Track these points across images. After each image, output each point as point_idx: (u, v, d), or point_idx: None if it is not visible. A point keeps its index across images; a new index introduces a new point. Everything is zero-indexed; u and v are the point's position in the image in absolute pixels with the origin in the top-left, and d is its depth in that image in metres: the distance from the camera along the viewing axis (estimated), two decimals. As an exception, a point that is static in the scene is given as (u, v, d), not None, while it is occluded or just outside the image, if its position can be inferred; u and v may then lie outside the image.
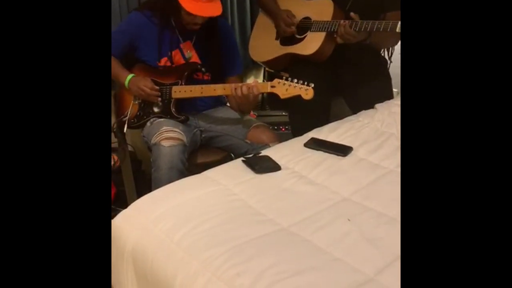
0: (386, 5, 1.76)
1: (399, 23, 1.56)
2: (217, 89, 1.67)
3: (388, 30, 1.60)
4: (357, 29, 1.67)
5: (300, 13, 1.92)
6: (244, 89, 1.56)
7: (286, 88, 1.53)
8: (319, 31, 1.82)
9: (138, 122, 1.78)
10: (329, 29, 1.77)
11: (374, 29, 1.64)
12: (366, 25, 1.65)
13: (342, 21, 1.70)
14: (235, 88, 1.58)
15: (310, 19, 1.88)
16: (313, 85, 1.49)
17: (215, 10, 1.61)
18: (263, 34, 2.06)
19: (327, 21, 1.78)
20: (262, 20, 2.10)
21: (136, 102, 1.78)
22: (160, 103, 1.74)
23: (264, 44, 2.05)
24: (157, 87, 1.70)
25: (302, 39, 1.89)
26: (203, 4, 1.58)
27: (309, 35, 1.86)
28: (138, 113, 1.78)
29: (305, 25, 1.89)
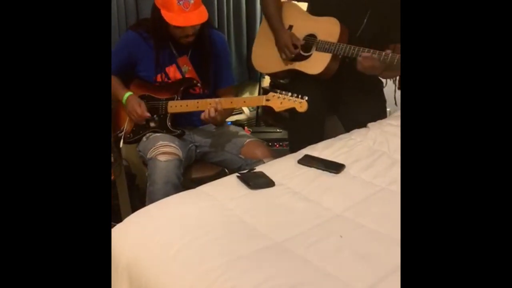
0: (394, 37, 1.74)
1: (398, 56, 1.58)
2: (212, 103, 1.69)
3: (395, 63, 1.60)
4: (387, 61, 1.65)
5: (305, 29, 1.91)
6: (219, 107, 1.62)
7: (280, 101, 1.56)
8: (324, 51, 1.81)
9: (134, 137, 1.80)
10: (335, 51, 1.77)
11: (388, 61, 1.63)
12: (386, 57, 1.63)
13: (367, 53, 1.68)
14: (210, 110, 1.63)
15: (315, 36, 1.87)
16: (307, 98, 1.52)
17: (200, 17, 1.64)
18: (267, 43, 2.02)
19: (333, 42, 1.78)
20: (266, 27, 2.04)
21: (132, 117, 1.81)
22: (156, 118, 1.76)
23: (268, 54, 2.01)
24: (148, 114, 1.73)
25: (307, 57, 1.88)
26: (187, 14, 1.61)
27: (315, 54, 1.85)
28: (133, 129, 1.80)
29: (310, 43, 1.88)
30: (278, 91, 1.58)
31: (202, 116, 1.66)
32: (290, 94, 1.55)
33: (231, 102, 1.68)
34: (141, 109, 1.72)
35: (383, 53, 1.65)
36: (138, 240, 1.11)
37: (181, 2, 1.59)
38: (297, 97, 1.54)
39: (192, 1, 1.61)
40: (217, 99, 1.69)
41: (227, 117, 1.68)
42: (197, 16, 1.64)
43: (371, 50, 1.66)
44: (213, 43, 1.80)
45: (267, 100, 1.59)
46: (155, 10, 1.66)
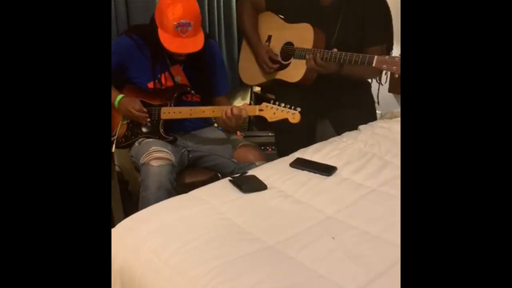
0: (369, 40, 1.81)
1: (376, 57, 1.60)
2: (206, 111, 1.70)
3: (365, 64, 1.63)
4: (336, 60, 1.69)
5: (282, 38, 1.97)
6: (235, 111, 1.60)
7: (273, 111, 1.58)
8: (301, 58, 1.86)
9: (126, 142, 1.80)
10: None
11: (352, 62, 1.66)
12: (345, 57, 1.67)
13: (311, 55, 1.73)
14: (226, 111, 1.61)
15: (292, 44, 1.92)
16: (299, 109, 1.54)
17: (195, 45, 1.64)
18: (250, 57, 2.11)
19: (308, 49, 1.83)
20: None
21: (125, 122, 1.81)
22: (149, 124, 1.76)
23: (252, 67, 2.09)
24: (145, 109, 1.72)
25: (287, 65, 1.94)
26: (183, 40, 1.61)
27: (293, 61, 1.91)
28: (126, 133, 1.80)
29: (288, 51, 1.93)
30: (272, 101, 1.59)
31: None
32: (283, 105, 1.57)
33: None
34: (139, 106, 1.71)
35: (329, 52, 1.70)
36: (131, 245, 1.11)
37: (179, 28, 1.59)
38: (290, 108, 1.56)
39: (190, 28, 1.61)
40: (209, 107, 1.70)
41: (236, 126, 1.68)
42: (192, 44, 1.63)
43: (339, 53, 1.69)
44: (208, 52, 1.80)
45: (260, 110, 1.60)
46: (153, 23, 1.66)
